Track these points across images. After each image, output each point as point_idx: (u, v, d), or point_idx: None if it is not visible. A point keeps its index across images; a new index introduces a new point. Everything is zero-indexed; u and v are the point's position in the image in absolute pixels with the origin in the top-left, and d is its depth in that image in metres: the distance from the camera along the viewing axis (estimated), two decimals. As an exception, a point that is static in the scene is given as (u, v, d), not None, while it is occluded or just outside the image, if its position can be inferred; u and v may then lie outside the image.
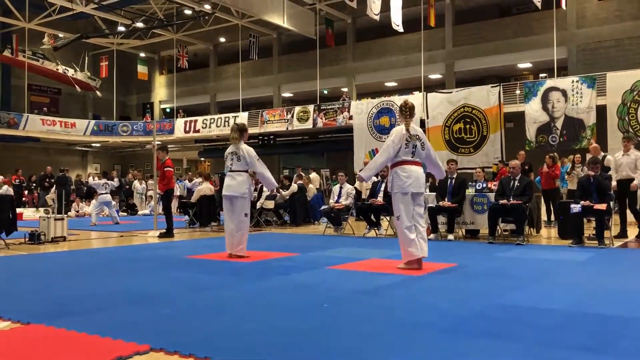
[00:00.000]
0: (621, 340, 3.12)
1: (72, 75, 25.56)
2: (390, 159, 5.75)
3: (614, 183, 8.78)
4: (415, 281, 5.12)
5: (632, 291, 4.59)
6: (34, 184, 20.00)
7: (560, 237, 8.97)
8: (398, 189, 5.68)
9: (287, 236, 10.59)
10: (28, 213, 17.15)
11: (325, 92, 25.26)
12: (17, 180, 19.69)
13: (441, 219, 9.44)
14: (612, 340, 3.11)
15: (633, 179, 8.85)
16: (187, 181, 17.05)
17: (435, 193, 9.72)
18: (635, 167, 8.93)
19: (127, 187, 20.27)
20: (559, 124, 15.70)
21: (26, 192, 20.39)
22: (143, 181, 19.75)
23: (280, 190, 13.37)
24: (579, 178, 9.27)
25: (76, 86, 25.68)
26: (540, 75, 20.39)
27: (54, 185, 18.52)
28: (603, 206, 7.75)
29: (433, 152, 5.98)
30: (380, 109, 18.67)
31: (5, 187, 16.15)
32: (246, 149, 6.84)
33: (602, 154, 10.56)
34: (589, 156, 10.61)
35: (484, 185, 9.68)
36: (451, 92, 17.66)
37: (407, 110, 5.76)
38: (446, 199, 9.28)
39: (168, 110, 30.04)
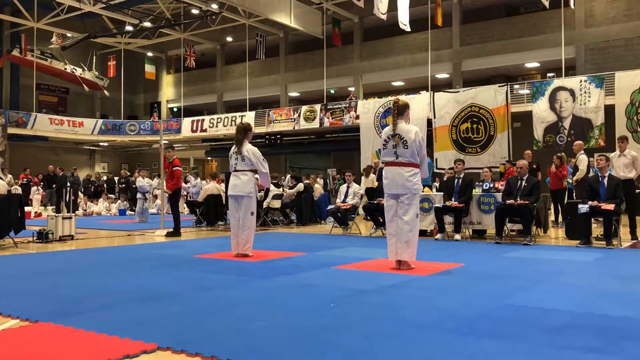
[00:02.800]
0: (628, 341, 3.11)
1: (80, 74, 25.70)
2: (382, 160, 5.94)
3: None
4: (421, 281, 5.12)
5: (639, 292, 4.56)
6: (42, 183, 20.14)
7: (568, 238, 8.93)
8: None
9: (294, 236, 10.59)
10: (36, 211, 17.25)
11: (332, 91, 25.25)
12: (26, 179, 19.81)
13: (448, 219, 9.42)
14: (618, 341, 3.10)
15: (629, 179, 8.79)
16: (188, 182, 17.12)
17: (442, 193, 9.70)
18: (632, 167, 8.88)
19: (134, 186, 20.34)
20: (566, 123, 15.64)
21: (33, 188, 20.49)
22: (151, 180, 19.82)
23: (286, 189, 13.40)
24: (584, 179, 9.22)
25: (84, 85, 25.82)
26: (548, 74, 20.30)
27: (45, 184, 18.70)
28: (611, 206, 7.71)
29: (418, 150, 5.61)
30: (387, 109, 18.63)
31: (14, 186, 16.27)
32: (252, 150, 6.88)
33: (581, 152, 10.55)
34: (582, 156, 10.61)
35: (491, 185, 9.65)
36: (458, 92, 17.62)
37: (395, 109, 5.72)
38: (453, 199, 9.25)
39: (175, 109, 30.14)
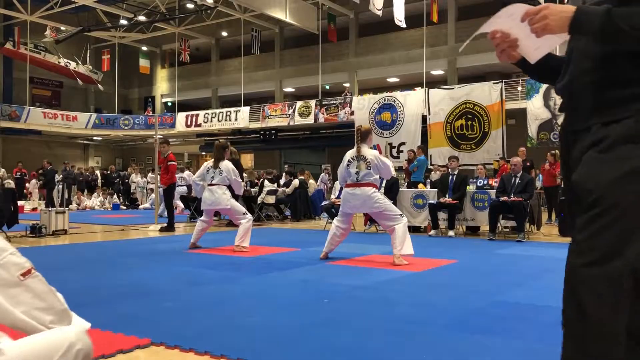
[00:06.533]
0: (620, 338, 3.12)
1: (74, 68, 25.57)
2: (341, 180, 6.33)
3: None
4: (415, 277, 5.13)
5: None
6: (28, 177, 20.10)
7: (561, 235, 8.97)
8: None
9: (288, 231, 10.60)
10: (29, 206, 17.18)
11: (327, 87, 25.24)
12: (19, 173, 19.71)
13: (442, 215, 9.44)
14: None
15: None
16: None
17: (436, 189, 9.72)
18: None
19: (126, 180, 20.32)
20: (560, 121, 15.67)
21: (27, 185, 20.42)
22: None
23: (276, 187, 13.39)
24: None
25: (78, 79, 25.68)
26: (543, 72, 20.31)
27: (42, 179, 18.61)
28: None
29: (381, 165, 6.04)
30: (382, 105, 18.65)
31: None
32: (230, 167, 7.28)
33: None
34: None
35: (485, 181, 9.68)
36: (453, 89, 17.62)
37: (359, 135, 6.20)
38: (447, 196, 9.28)
39: (169, 104, 30.03)
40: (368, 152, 6.14)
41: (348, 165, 6.12)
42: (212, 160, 7.38)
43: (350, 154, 6.18)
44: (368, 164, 6.02)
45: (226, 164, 7.28)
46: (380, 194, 6.17)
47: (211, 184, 7.22)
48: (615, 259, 1.54)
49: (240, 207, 7.38)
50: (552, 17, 1.59)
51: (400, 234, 5.82)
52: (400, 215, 6.05)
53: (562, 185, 11.33)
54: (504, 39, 1.80)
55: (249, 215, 7.34)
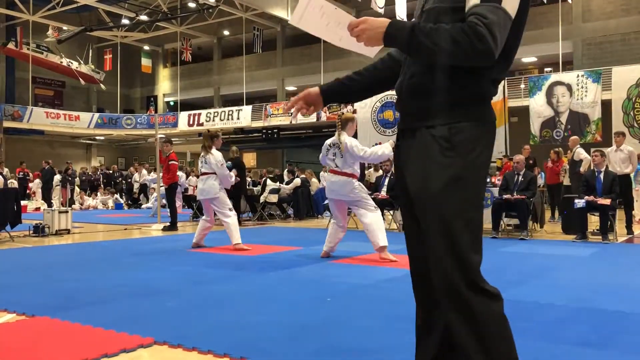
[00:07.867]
0: (623, 335, 3.12)
1: (76, 68, 25.61)
2: (323, 163, 6.40)
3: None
4: (418, 276, 5.12)
5: (634, 286, 4.58)
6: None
7: (564, 232, 8.95)
8: None
9: (291, 230, 10.60)
10: (33, 206, 17.21)
11: (329, 85, 25.19)
12: (22, 173, 19.74)
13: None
14: (613, 335, 3.11)
15: (625, 174, 8.82)
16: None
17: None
18: (629, 162, 8.92)
19: (129, 180, 20.35)
20: (563, 118, 15.65)
21: (30, 184, 20.45)
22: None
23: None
24: (584, 173, 9.24)
25: (80, 79, 25.73)
26: (545, 69, 20.32)
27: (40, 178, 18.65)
28: (607, 201, 7.74)
29: (349, 151, 5.92)
30: (385, 103, 18.64)
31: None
32: (217, 158, 7.13)
33: (577, 146, 10.60)
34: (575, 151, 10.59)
35: (488, 179, 9.66)
36: (455, 86, 17.59)
37: (339, 122, 6.16)
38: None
39: (172, 103, 30.05)
40: (345, 139, 6.04)
41: (327, 151, 6.14)
42: (202, 149, 7.30)
43: (329, 140, 6.20)
44: (342, 151, 6.01)
45: (214, 154, 7.13)
46: (358, 184, 6.13)
47: (202, 174, 7.20)
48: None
49: (227, 201, 7.13)
50: (369, 31, 1.71)
51: (375, 227, 5.93)
52: (375, 207, 6.14)
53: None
54: (300, 104, 2.08)
55: (234, 212, 7.19)
